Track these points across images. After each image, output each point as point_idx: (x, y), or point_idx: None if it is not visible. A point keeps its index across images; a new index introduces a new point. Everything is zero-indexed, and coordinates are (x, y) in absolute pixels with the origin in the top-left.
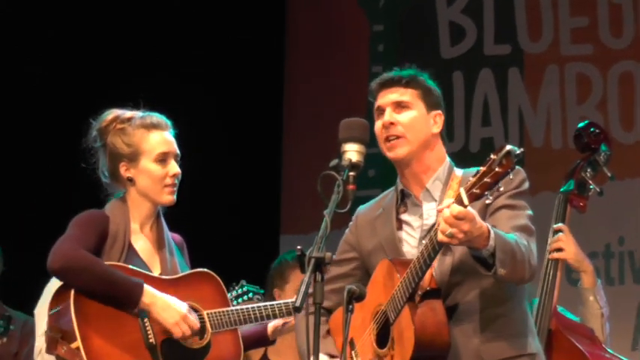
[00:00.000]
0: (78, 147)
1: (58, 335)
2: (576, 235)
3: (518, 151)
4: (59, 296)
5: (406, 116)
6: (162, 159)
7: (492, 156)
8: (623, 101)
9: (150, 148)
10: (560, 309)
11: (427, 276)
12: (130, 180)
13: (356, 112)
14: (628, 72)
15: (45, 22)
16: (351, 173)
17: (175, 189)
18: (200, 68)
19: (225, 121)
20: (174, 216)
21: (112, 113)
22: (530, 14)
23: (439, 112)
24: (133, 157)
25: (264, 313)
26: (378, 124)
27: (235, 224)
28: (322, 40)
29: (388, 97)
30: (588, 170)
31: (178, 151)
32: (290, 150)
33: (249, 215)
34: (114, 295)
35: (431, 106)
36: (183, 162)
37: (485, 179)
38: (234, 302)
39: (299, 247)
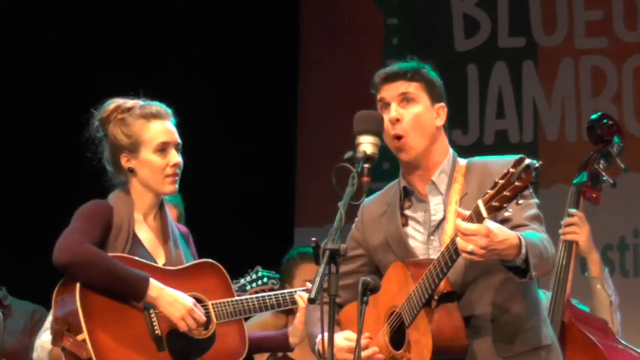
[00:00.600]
0: (78, 140)
1: (64, 327)
2: (591, 228)
3: (537, 164)
4: (65, 288)
5: (412, 111)
6: (163, 149)
7: (511, 169)
8: (637, 94)
9: (150, 139)
10: (573, 301)
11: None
12: (132, 171)
13: (370, 105)
14: None
15: (45, 20)
16: (366, 165)
17: (177, 178)
18: (216, 63)
19: (239, 114)
20: (189, 208)
21: (114, 103)
22: (545, 7)
23: (442, 104)
24: (133, 148)
25: (268, 303)
26: (385, 119)
27: (250, 217)
28: (336, 34)
29: (392, 90)
30: (601, 162)
31: (179, 140)
32: (304, 143)
33: (263, 208)
34: (120, 289)
35: (434, 98)
36: (199, 156)
37: (505, 192)
38: (248, 287)
39: (314, 238)
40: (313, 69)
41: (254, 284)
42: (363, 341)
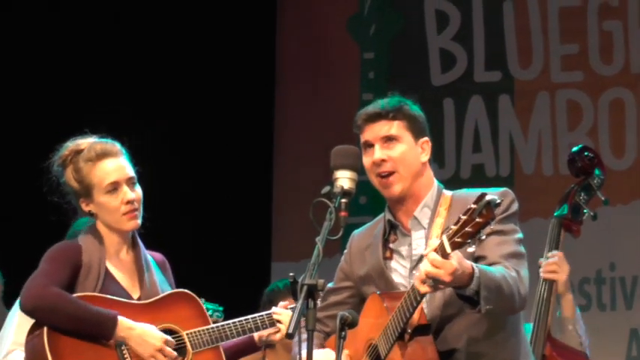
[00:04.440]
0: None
1: None
2: (568, 261)
3: (498, 201)
4: (34, 331)
5: (397, 151)
6: (113, 189)
7: (473, 205)
8: (613, 128)
9: (98, 181)
10: None
11: (417, 312)
12: (92, 214)
13: (347, 139)
14: (618, 99)
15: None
16: (343, 200)
17: (137, 212)
18: (192, 96)
19: (216, 147)
20: (165, 243)
21: (67, 148)
22: (521, 41)
23: (426, 138)
24: (87, 193)
25: (246, 327)
26: (367, 161)
27: (226, 252)
28: (313, 68)
29: (375, 132)
30: (582, 195)
31: (132, 174)
32: (281, 177)
33: (240, 243)
34: (87, 330)
35: (418, 134)
36: (175, 189)
37: (467, 228)
38: None
39: (291, 274)
40: (289, 103)
41: None
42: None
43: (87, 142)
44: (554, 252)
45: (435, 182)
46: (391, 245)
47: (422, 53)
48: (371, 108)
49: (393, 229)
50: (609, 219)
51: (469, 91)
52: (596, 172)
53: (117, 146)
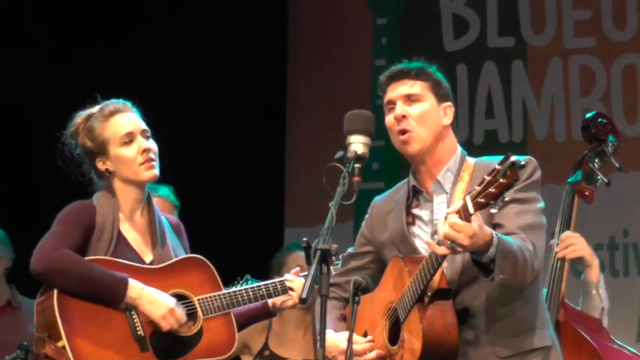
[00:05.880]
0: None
1: (45, 334)
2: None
3: (522, 162)
4: (44, 294)
5: (418, 109)
6: (128, 140)
7: (497, 166)
8: (626, 94)
9: (113, 135)
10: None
11: (437, 276)
12: (110, 172)
13: (360, 104)
14: (631, 65)
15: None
16: (357, 165)
17: (153, 163)
18: (203, 61)
19: (228, 114)
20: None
21: (79, 117)
22: (534, 7)
23: (449, 103)
24: (102, 149)
25: (258, 294)
26: (389, 118)
27: (239, 218)
28: (325, 33)
29: (398, 90)
30: (596, 161)
31: (145, 127)
32: (293, 143)
33: (253, 209)
34: (98, 293)
35: (441, 97)
36: (188, 157)
37: (490, 189)
38: None
39: (305, 238)
40: (302, 68)
41: None
42: (367, 345)
43: (96, 108)
44: (566, 232)
45: (459, 148)
46: (413, 211)
47: (435, 19)
48: (395, 68)
49: (415, 194)
50: (623, 185)
51: (482, 56)
52: (610, 138)
53: (128, 105)
